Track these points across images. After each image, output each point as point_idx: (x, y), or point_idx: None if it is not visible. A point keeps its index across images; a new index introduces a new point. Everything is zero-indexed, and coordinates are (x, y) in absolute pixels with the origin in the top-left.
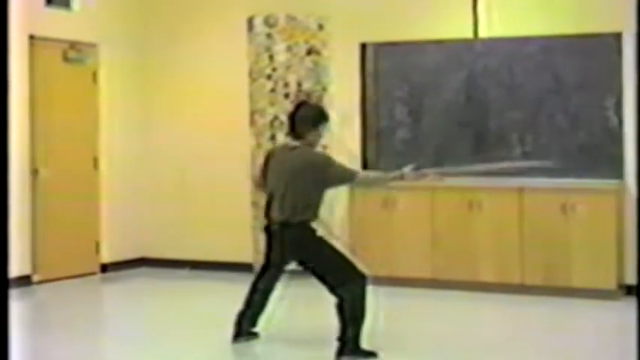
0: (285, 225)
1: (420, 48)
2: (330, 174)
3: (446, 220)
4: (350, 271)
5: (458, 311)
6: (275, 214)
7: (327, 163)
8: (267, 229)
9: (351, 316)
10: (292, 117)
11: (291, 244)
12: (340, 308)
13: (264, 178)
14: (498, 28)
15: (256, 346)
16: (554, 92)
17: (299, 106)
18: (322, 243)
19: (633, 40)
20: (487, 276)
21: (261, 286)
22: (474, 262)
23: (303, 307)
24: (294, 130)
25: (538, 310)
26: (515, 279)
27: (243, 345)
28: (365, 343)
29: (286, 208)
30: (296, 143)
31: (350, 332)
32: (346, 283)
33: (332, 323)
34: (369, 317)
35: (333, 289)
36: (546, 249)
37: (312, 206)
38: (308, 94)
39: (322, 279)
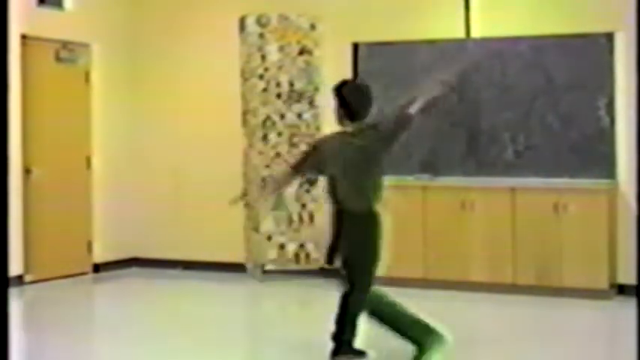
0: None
1: (412, 48)
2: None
3: (438, 219)
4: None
5: (450, 311)
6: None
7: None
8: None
9: (352, 315)
10: (349, 101)
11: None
12: (345, 302)
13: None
14: (490, 28)
15: (249, 344)
16: (546, 92)
17: (349, 88)
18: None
19: (633, 40)
20: (479, 276)
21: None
22: (466, 262)
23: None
24: (359, 115)
25: (530, 309)
26: (508, 279)
27: (234, 345)
28: (356, 343)
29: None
30: (357, 126)
31: (347, 333)
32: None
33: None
34: (362, 316)
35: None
36: (538, 249)
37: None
38: (300, 94)
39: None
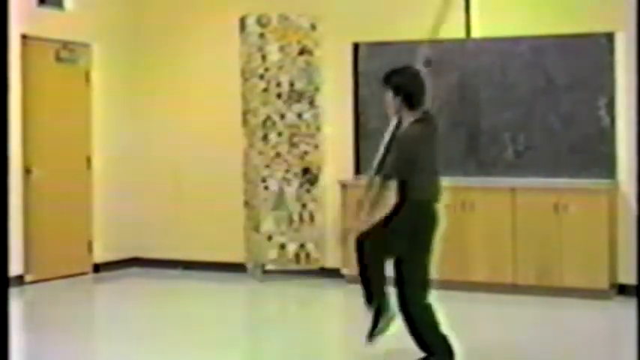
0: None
1: (412, 48)
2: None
3: None
4: None
5: (450, 311)
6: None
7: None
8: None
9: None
10: (414, 87)
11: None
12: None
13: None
14: (491, 28)
15: (250, 344)
16: (547, 92)
17: (410, 74)
18: None
19: (633, 40)
20: (479, 276)
21: None
22: (466, 262)
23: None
24: (419, 102)
25: (530, 309)
26: (508, 279)
27: (237, 344)
28: (358, 344)
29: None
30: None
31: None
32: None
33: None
34: (360, 317)
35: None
36: (539, 249)
37: None
38: (300, 94)
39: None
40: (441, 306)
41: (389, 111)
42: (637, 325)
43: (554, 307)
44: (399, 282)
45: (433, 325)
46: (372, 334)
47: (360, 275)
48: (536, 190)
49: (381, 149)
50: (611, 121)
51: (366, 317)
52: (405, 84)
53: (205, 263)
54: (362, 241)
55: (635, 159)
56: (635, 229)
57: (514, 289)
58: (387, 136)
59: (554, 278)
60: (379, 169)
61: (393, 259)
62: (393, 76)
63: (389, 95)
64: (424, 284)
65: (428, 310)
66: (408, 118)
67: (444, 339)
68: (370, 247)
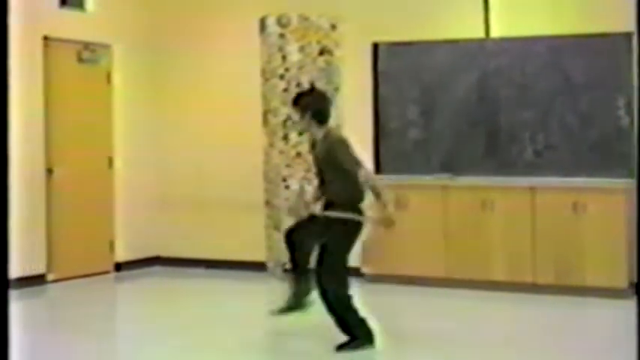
0: None
1: (431, 48)
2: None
3: (458, 219)
4: None
5: (470, 310)
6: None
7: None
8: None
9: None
10: (321, 105)
11: None
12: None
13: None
14: (510, 28)
15: (273, 344)
16: (565, 92)
17: (318, 94)
18: None
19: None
20: (499, 275)
21: None
22: (486, 261)
23: None
24: (327, 118)
25: (550, 309)
26: (527, 278)
27: (259, 343)
28: (378, 341)
29: None
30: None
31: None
32: None
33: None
34: (382, 315)
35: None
36: (558, 248)
37: None
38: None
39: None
40: (461, 304)
41: (299, 129)
42: (637, 325)
43: (573, 306)
44: (321, 269)
45: (352, 308)
46: (282, 310)
47: (291, 263)
48: (555, 190)
49: (320, 167)
50: (630, 121)
51: (388, 315)
52: (312, 103)
53: (226, 262)
54: (292, 232)
55: (636, 157)
56: (635, 230)
57: (534, 288)
58: (316, 154)
59: (573, 277)
60: (324, 191)
61: (318, 248)
62: (301, 98)
63: (299, 115)
64: (344, 272)
65: (346, 295)
66: (319, 134)
67: (363, 321)
68: (300, 236)
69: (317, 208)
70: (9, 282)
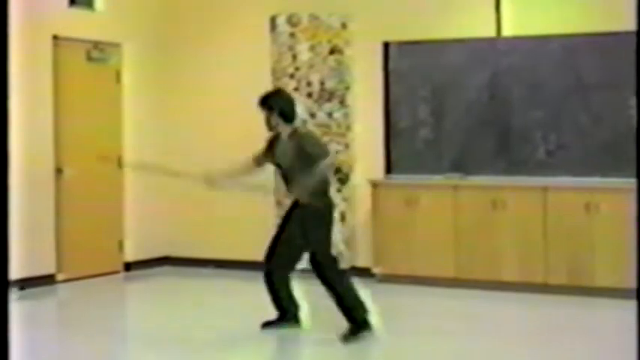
0: None
1: (442, 47)
2: None
3: (469, 218)
4: None
5: (480, 311)
6: None
7: None
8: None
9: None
10: (287, 105)
11: None
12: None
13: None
14: (521, 27)
15: (281, 343)
16: (578, 91)
17: (284, 94)
18: None
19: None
20: (510, 275)
21: None
22: (497, 262)
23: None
24: (293, 117)
25: (561, 309)
26: (539, 278)
27: (270, 343)
28: (386, 342)
29: None
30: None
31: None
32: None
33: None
34: (392, 315)
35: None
36: (570, 248)
37: None
38: (331, 93)
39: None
40: (471, 305)
41: (267, 127)
42: (637, 325)
43: (585, 307)
44: (319, 270)
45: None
46: (270, 324)
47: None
48: (567, 190)
49: (287, 166)
50: None
51: (399, 316)
52: (279, 103)
53: (236, 262)
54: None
55: (635, 158)
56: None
57: (545, 288)
58: (282, 154)
59: (585, 278)
60: (291, 189)
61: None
62: (268, 98)
63: (266, 114)
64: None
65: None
66: (286, 131)
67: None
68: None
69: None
70: (9, 283)
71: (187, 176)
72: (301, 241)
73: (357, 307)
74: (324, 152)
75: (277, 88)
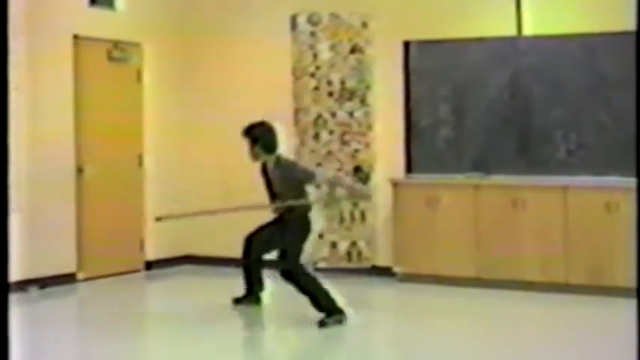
0: None
1: (463, 46)
2: None
3: (490, 218)
4: None
5: (501, 310)
6: None
7: None
8: None
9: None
10: (270, 137)
11: None
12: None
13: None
14: (542, 26)
15: (301, 342)
16: (598, 90)
17: (266, 126)
18: None
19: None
20: (531, 275)
21: None
22: (517, 261)
23: None
24: (275, 147)
25: (582, 309)
26: (560, 278)
27: (290, 341)
28: (407, 341)
29: None
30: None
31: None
32: None
33: None
34: (413, 314)
35: None
36: (590, 248)
37: None
38: (351, 92)
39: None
40: (492, 305)
41: (250, 156)
42: (637, 325)
43: (606, 307)
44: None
45: (315, 281)
46: (238, 301)
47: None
48: (587, 189)
49: (278, 192)
50: None
51: (420, 316)
52: (262, 135)
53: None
54: (251, 239)
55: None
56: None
57: (566, 288)
58: (276, 178)
59: (606, 277)
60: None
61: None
62: (252, 129)
63: (250, 144)
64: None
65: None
66: (270, 161)
67: (327, 294)
68: (257, 245)
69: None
70: (9, 285)
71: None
72: (278, 238)
73: (321, 297)
74: (311, 174)
75: (261, 120)
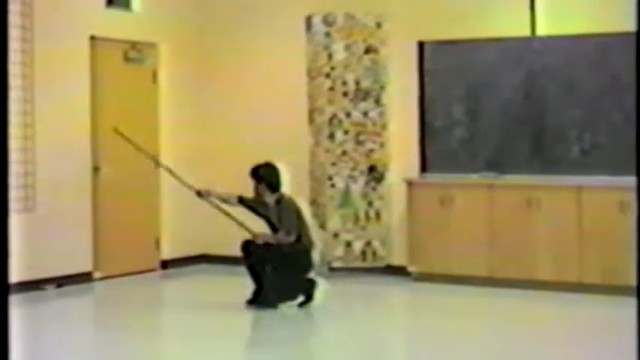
0: None
1: (477, 46)
2: None
3: (504, 217)
4: None
5: (515, 310)
6: None
7: None
8: None
9: None
10: (273, 177)
11: None
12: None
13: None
14: (556, 26)
15: (315, 345)
16: (612, 90)
17: (271, 167)
18: None
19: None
20: (545, 274)
21: None
22: (531, 261)
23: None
24: (278, 187)
25: (596, 309)
26: (573, 277)
27: (299, 343)
28: (421, 340)
29: None
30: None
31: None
32: None
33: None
34: (428, 314)
35: None
36: (604, 247)
37: None
38: (366, 92)
39: None
40: (506, 304)
41: (254, 194)
42: (637, 325)
43: (620, 306)
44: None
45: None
46: (251, 302)
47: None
48: (602, 189)
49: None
50: None
51: (434, 315)
52: (267, 175)
53: None
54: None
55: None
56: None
57: (580, 287)
58: (274, 215)
59: (619, 277)
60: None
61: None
62: (257, 170)
63: (255, 183)
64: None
65: None
66: (271, 199)
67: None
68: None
69: None
70: (9, 286)
71: (185, 183)
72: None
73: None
74: (291, 232)
75: (266, 161)
